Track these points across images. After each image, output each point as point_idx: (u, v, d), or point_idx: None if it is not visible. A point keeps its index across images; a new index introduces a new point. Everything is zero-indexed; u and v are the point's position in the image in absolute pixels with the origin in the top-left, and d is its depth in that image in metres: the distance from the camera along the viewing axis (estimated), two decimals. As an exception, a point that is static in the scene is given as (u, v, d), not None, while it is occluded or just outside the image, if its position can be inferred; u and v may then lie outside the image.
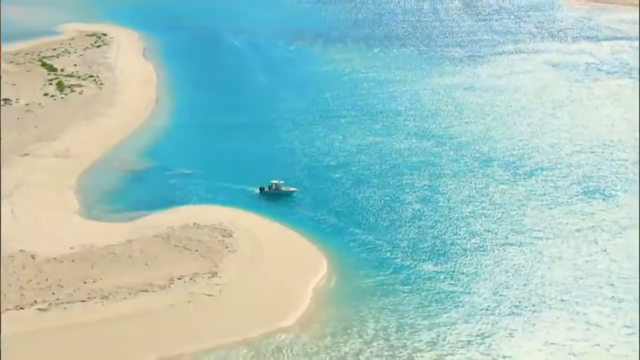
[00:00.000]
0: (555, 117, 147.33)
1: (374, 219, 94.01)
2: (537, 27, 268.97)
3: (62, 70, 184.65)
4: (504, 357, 57.53)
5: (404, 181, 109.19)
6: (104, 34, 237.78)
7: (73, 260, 77.39)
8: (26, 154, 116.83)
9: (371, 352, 58.33)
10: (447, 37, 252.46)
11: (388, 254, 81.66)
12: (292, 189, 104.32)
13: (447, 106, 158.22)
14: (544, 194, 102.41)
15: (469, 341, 60.30)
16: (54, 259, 77.32)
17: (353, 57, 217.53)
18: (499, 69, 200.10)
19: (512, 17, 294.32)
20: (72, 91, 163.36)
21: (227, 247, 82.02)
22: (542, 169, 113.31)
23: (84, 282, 71.41)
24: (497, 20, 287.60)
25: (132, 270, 75.15)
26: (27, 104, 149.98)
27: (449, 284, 73.46)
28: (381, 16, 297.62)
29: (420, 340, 60.39)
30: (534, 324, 63.62)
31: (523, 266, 77.85)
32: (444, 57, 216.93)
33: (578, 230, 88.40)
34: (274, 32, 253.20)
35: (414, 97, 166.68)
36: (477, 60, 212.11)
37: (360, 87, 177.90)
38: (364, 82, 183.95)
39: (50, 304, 66.19)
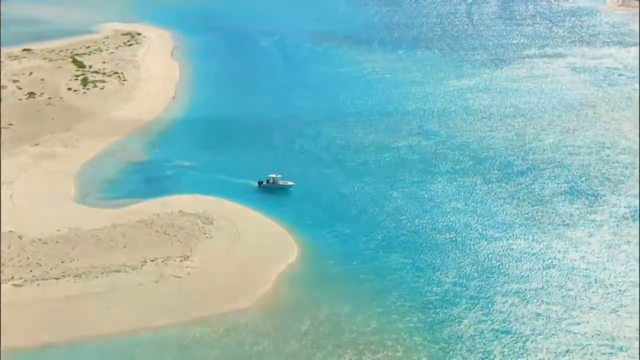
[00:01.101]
0: (561, 119, 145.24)
1: (356, 213, 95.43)
2: (569, 32, 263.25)
3: (90, 67, 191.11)
4: (444, 341, 59.11)
5: (395, 178, 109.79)
6: (138, 33, 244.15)
7: (57, 242, 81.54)
8: (37, 144, 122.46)
9: (316, 334, 60.43)
10: (474, 40, 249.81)
11: (361, 246, 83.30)
12: (289, 183, 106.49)
13: (456, 107, 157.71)
14: (529, 193, 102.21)
15: (416, 328, 61.71)
16: (39, 239, 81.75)
17: (376, 59, 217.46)
18: (520, 72, 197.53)
19: (546, 21, 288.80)
20: (95, 86, 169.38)
21: (205, 234, 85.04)
22: (534, 169, 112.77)
23: (62, 262, 75.49)
24: (529, 25, 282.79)
25: (109, 252, 78.87)
26: (49, 98, 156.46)
27: (414, 275, 74.57)
28: (414, 19, 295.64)
29: (368, 326, 62.04)
30: (484, 313, 64.80)
31: (490, 259, 78.65)
32: (467, 60, 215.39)
33: (554, 228, 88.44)
34: (305, 33, 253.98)
35: (425, 98, 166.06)
36: (498, 63, 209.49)
37: (375, 88, 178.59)
38: (380, 83, 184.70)
39: (25, 280, 70.59)
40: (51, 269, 73.27)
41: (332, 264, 78.05)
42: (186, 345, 59.51)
